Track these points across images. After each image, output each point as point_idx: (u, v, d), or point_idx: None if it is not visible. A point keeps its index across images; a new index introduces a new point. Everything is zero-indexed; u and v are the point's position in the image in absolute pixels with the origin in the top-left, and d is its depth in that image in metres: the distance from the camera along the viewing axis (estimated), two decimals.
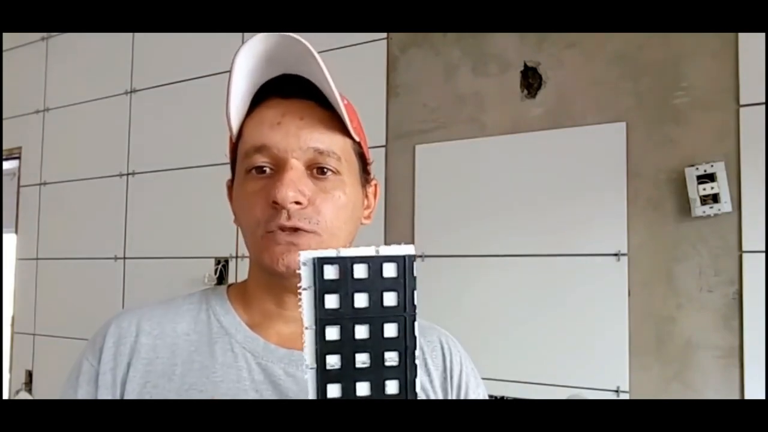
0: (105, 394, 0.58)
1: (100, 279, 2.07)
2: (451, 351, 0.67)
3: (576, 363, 1.34)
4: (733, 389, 1.20)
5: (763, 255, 1.19)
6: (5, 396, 2.26)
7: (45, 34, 2.32)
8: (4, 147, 2.37)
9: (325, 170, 0.57)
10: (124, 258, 2.03)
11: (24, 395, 2.23)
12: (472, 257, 1.48)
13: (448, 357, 0.66)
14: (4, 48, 2.41)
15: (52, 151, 2.27)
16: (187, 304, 0.64)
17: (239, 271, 1.80)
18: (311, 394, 0.37)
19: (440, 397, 0.65)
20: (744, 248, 1.21)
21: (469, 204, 1.49)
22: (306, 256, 0.37)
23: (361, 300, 0.37)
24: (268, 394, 0.57)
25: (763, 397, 1.17)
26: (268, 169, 0.57)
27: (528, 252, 1.41)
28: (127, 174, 2.05)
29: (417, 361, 0.45)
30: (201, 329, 0.61)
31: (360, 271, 0.36)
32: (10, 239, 2.38)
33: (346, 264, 0.36)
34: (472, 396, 0.67)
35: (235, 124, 0.58)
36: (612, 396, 1.30)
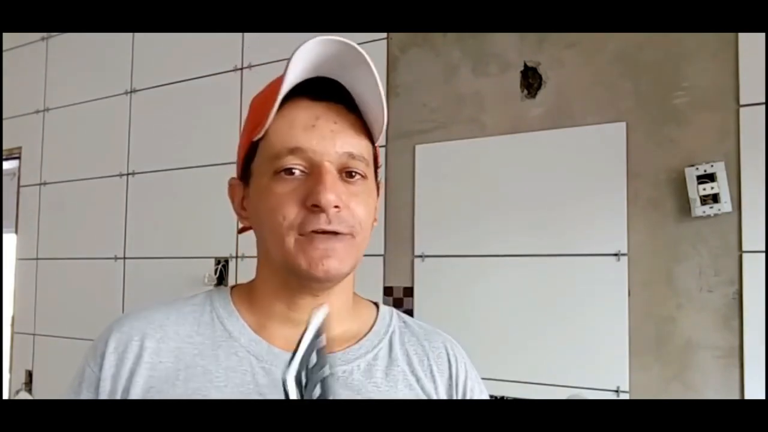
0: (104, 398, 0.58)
1: (100, 279, 2.07)
2: (456, 358, 0.67)
3: (576, 363, 1.34)
4: (733, 389, 1.20)
5: (763, 255, 1.19)
6: (5, 396, 2.26)
7: (45, 34, 2.32)
8: (4, 147, 2.37)
9: (354, 174, 0.58)
10: (124, 258, 2.03)
11: (24, 395, 2.23)
12: (471, 257, 1.48)
13: (453, 364, 0.66)
14: (4, 48, 2.40)
15: (52, 151, 2.27)
16: (190, 306, 0.64)
17: (239, 271, 1.80)
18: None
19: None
20: (744, 248, 1.21)
21: (469, 204, 1.49)
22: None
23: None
24: (273, 398, 0.57)
25: (763, 397, 1.17)
26: (298, 172, 0.56)
27: (528, 252, 1.41)
28: (127, 174, 2.05)
29: (420, 367, 0.62)
30: (204, 332, 0.61)
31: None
32: (10, 239, 2.38)
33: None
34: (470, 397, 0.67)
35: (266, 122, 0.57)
36: (612, 396, 1.30)
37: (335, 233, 0.55)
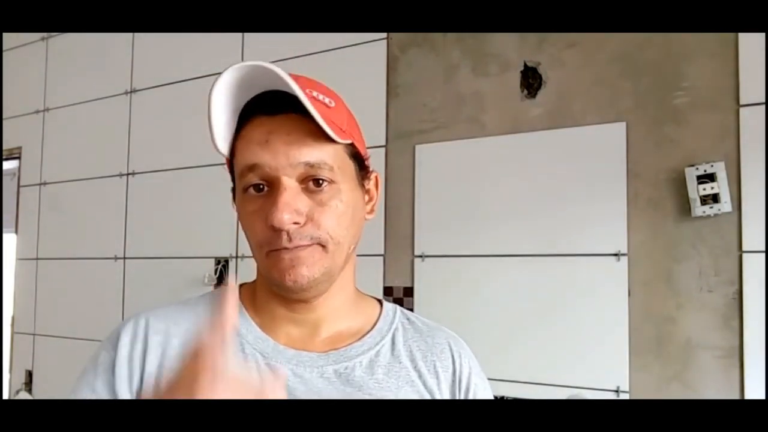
0: (121, 384, 0.59)
1: (100, 279, 2.07)
2: (460, 355, 0.68)
3: (576, 363, 1.34)
4: (733, 389, 1.20)
5: (763, 255, 1.19)
6: (5, 396, 2.26)
7: (45, 34, 2.32)
8: (4, 147, 2.37)
9: (321, 181, 0.58)
10: (124, 258, 2.03)
11: (24, 395, 2.23)
12: (471, 257, 1.48)
13: (457, 361, 0.67)
14: (4, 48, 2.40)
15: (52, 151, 2.27)
16: (202, 305, 0.66)
17: (239, 271, 1.80)
18: None
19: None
20: (744, 248, 1.21)
21: (469, 204, 1.49)
22: None
23: None
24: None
25: (763, 397, 1.17)
26: (264, 187, 0.58)
27: (528, 252, 1.41)
28: (127, 174, 2.05)
29: (423, 364, 0.62)
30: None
31: None
32: (10, 239, 2.38)
33: None
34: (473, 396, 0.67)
35: (222, 147, 0.59)
36: (612, 396, 1.30)
37: (299, 246, 0.57)
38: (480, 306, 1.46)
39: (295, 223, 0.56)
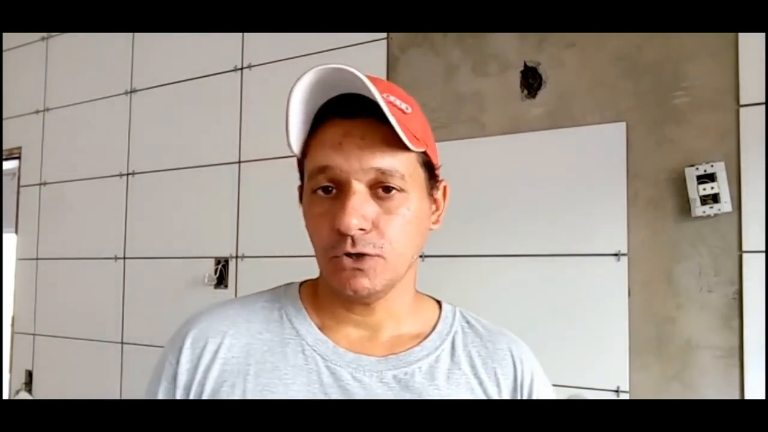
0: (181, 394, 0.60)
1: (100, 279, 2.07)
2: (522, 361, 0.67)
3: (576, 363, 1.34)
4: (733, 389, 1.20)
5: (763, 255, 1.19)
6: (5, 396, 2.26)
7: (45, 34, 2.32)
8: (4, 147, 2.37)
9: (391, 189, 0.57)
10: (124, 258, 2.03)
11: (24, 395, 2.23)
12: (472, 257, 1.48)
13: (519, 367, 0.66)
14: (4, 48, 2.40)
15: (52, 151, 2.27)
16: (261, 302, 0.66)
17: (239, 271, 1.79)
18: None
19: None
20: (744, 248, 1.21)
21: (469, 204, 1.49)
22: None
23: None
24: (336, 398, 0.59)
25: (763, 397, 1.17)
26: (333, 189, 0.58)
27: (528, 252, 1.41)
28: (127, 174, 2.05)
29: (484, 370, 0.64)
30: (274, 329, 0.63)
31: None
32: (10, 239, 2.38)
33: None
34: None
35: (295, 146, 0.59)
36: (612, 396, 1.30)
37: (362, 255, 0.56)
38: (480, 306, 1.45)
39: (361, 229, 0.56)
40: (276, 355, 0.61)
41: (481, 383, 0.63)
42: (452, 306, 0.72)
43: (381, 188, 0.57)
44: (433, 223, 0.67)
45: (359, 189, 0.56)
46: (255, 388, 0.59)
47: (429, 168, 0.63)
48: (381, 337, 0.64)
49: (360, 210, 0.55)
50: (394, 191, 0.57)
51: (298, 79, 0.54)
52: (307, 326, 0.63)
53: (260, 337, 0.62)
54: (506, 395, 0.64)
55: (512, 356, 0.67)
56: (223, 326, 0.63)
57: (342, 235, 0.56)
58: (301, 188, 0.64)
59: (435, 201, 0.66)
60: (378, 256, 0.57)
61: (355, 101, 0.57)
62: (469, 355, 0.65)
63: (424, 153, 0.61)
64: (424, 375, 0.61)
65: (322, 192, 0.58)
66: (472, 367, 0.64)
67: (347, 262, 0.57)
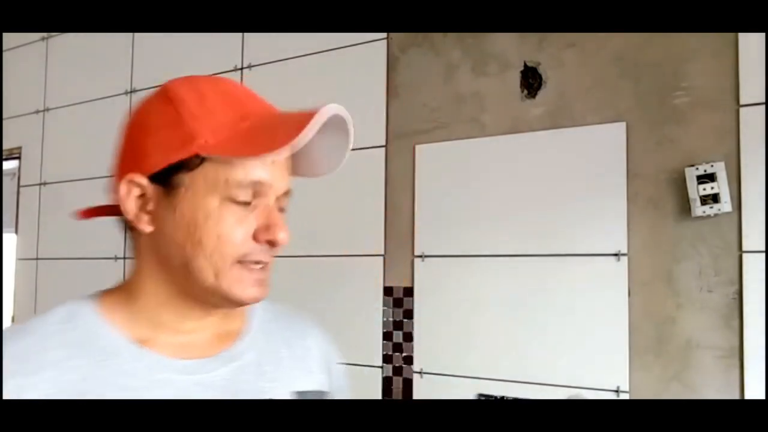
0: None
1: (100, 279, 2.05)
2: (316, 334, 0.74)
3: (576, 363, 1.34)
4: (733, 389, 1.20)
5: (763, 255, 1.19)
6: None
7: (45, 34, 2.32)
8: (4, 147, 2.37)
9: (282, 210, 0.62)
10: (124, 258, 2.03)
11: None
12: (471, 257, 1.48)
13: (314, 338, 0.73)
14: (4, 48, 2.40)
15: (52, 151, 2.27)
16: (52, 326, 0.58)
17: None
18: None
19: (323, 378, 0.70)
20: (744, 248, 1.21)
21: (469, 204, 1.49)
22: None
23: None
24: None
25: (763, 397, 1.17)
26: (250, 203, 0.58)
27: (528, 252, 1.41)
28: None
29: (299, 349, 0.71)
30: (78, 353, 0.56)
31: None
32: (10, 239, 2.38)
33: None
34: (333, 370, 0.73)
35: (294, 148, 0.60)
36: (612, 396, 1.30)
37: (265, 263, 0.60)
38: (480, 306, 1.46)
39: None
40: (94, 381, 0.54)
41: (303, 360, 0.70)
42: None
43: (278, 208, 0.61)
44: None
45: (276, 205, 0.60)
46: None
47: None
48: (209, 337, 0.64)
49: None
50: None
51: (331, 107, 0.55)
52: (119, 342, 0.58)
53: (68, 365, 0.55)
54: (316, 365, 0.71)
55: (308, 331, 0.75)
56: (14, 366, 0.53)
57: (263, 246, 0.58)
58: (149, 175, 0.59)
59: None
60: (268, 264, 0.61)
61: None
62: (283, 339, 0.71)
63: None
64: (255, 365, 0.64)
65: (241, 203, 0.57)
66: (288, 347, 0.70)
67: (256, 270, 0.59)
